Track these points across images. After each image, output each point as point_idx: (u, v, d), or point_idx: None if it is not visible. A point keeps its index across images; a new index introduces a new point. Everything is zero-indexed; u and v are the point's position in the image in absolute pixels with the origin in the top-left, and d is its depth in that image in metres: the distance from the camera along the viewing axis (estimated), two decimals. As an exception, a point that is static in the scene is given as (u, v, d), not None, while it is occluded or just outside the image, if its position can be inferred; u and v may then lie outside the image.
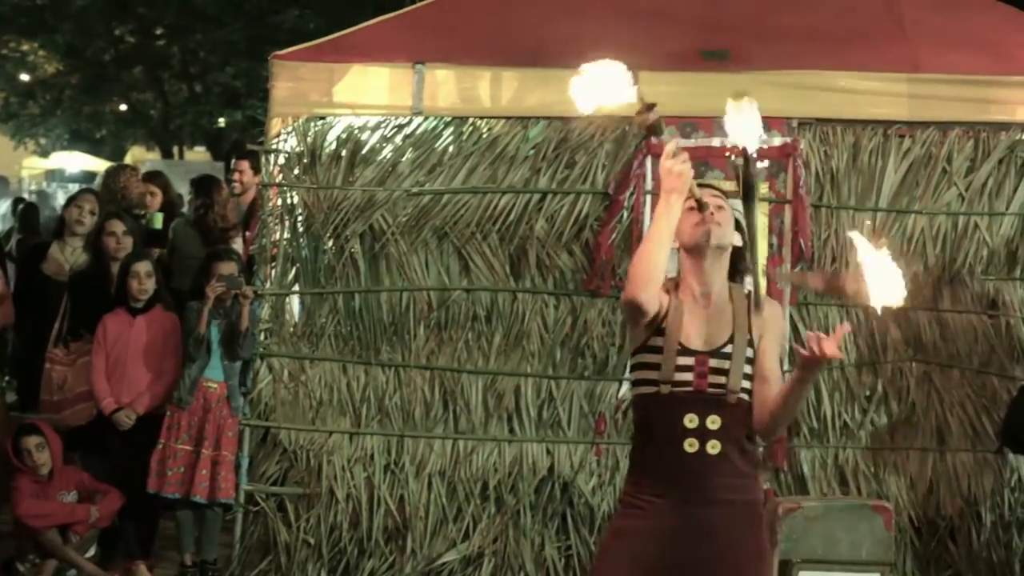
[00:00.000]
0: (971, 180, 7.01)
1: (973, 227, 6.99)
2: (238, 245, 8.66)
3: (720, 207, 4.32)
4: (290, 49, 7.23)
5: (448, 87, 7.04)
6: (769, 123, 6.91)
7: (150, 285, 7.49)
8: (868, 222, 6.86)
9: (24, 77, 30.54)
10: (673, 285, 4.36)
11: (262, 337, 7.19)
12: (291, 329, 7.21)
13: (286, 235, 7.16)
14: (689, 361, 4.27)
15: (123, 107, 31.53)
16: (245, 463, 7.13)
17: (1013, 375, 7.02)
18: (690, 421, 4.23)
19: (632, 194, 6.92)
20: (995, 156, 7.00)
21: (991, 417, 7.02)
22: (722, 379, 4.25)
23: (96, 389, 7.41)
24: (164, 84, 29.53)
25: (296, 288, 7.21)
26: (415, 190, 6.99)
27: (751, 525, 4.31)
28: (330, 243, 7.07)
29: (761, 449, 4.43)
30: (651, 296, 4.19)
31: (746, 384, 4.29)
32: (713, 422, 4.23)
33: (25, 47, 29.50)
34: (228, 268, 7.40)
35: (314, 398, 7.10)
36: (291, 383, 7.12)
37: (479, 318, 7.07)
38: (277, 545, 7.03)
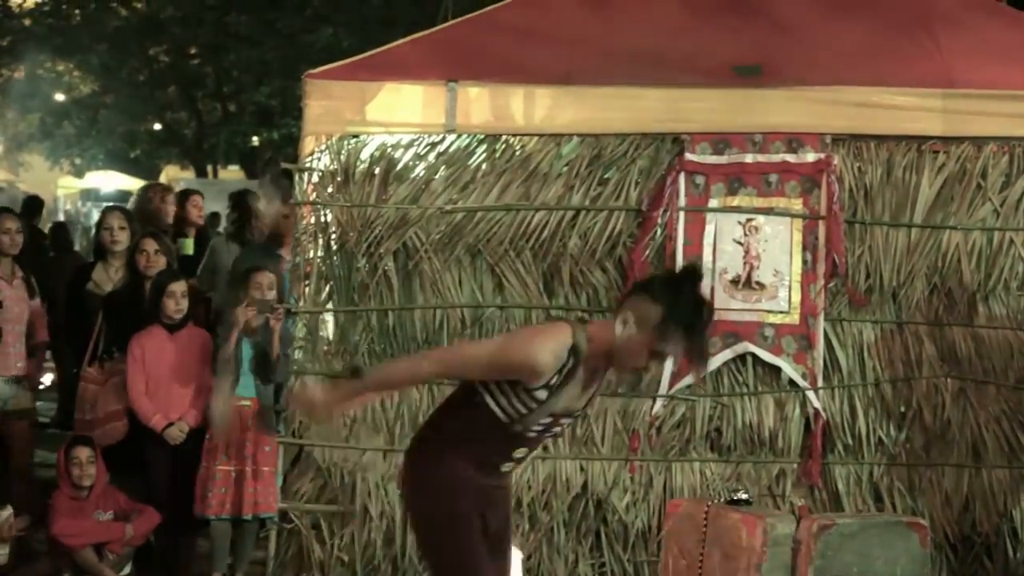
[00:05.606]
0: (1006, 195, 6.98)
1: (1008, 243, 6.96)
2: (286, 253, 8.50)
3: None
4: (323, 68, 7.25)
5: (481, 104, 7.05)
6: (803, 139, 6.93)
7: (185, 304, 7.48)
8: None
9: (59, 97, 30.77)
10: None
11: (296, 355, 7.20)
12: (325, 347, 7.22)
13: (320, 253, 7.19)
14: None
15: (157, 126, 31.75)
16: (279, 480, 7.14)
17: (1049, 392, 6.99)
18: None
19: (666, 211, 6.91)
20: (1030, 171, 6.97)
21: (1028, 433, 6.98)
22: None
23: (139, 408, 7.33)
24: (198, 103, 29.73)
25: (330, 306, 7.23)
26: (448, 207, 7.00)
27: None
28: (363, 261, 7.09)
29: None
30: None
31: None
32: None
33: (60, 67, 29.74)
34: (266, 279, 7.36)
35: (348, 416, 7.10)
36: (325, 401, 7.11)
37: (513, 335, 7.06)
38: (311, 563, 7.04)
